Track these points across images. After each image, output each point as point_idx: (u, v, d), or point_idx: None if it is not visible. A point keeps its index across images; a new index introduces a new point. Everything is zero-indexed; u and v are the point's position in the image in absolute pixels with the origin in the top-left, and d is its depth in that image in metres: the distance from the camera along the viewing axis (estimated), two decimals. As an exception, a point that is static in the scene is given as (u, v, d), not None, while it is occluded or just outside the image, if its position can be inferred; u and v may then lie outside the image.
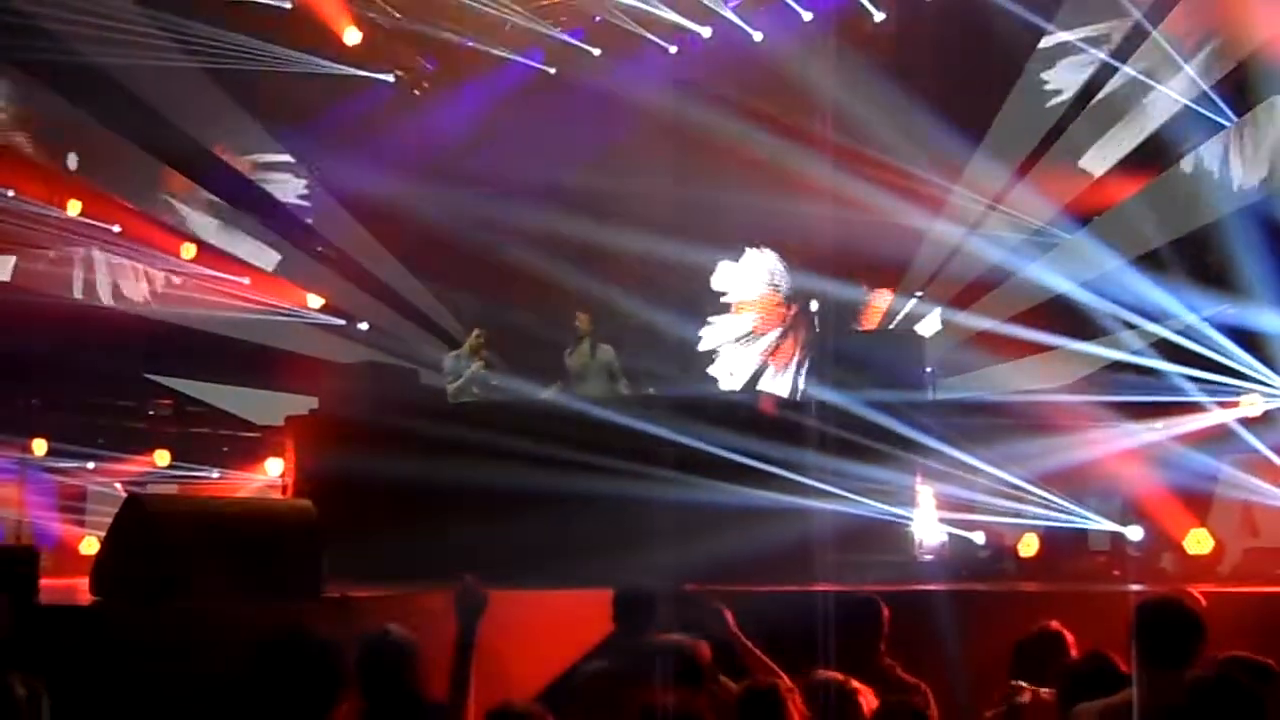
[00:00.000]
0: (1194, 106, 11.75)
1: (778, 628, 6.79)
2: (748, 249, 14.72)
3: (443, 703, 4.33)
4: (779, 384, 13.90)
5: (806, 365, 13.82)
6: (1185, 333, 10.81)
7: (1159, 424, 9.87)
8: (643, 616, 5.67)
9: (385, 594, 6.52)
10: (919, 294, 13.53)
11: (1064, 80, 12.88)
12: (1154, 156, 12.17)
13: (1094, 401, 10.23)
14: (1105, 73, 12.47)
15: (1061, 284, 11.81)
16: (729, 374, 14.36)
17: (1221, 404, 10.02)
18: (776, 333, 14.54)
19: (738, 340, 14.66)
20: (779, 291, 14.64)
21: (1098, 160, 12.59)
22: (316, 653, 3.43)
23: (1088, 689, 4.36)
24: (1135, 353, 11.17)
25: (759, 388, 12.50)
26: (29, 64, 14.41)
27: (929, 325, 13.33)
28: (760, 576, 8.12)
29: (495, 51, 14.56)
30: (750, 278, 14.73)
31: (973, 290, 12.97)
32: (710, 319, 14.73)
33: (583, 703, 5.04)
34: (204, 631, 5.24)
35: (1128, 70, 12.26)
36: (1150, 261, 11.57)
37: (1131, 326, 11.34)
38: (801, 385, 13.63)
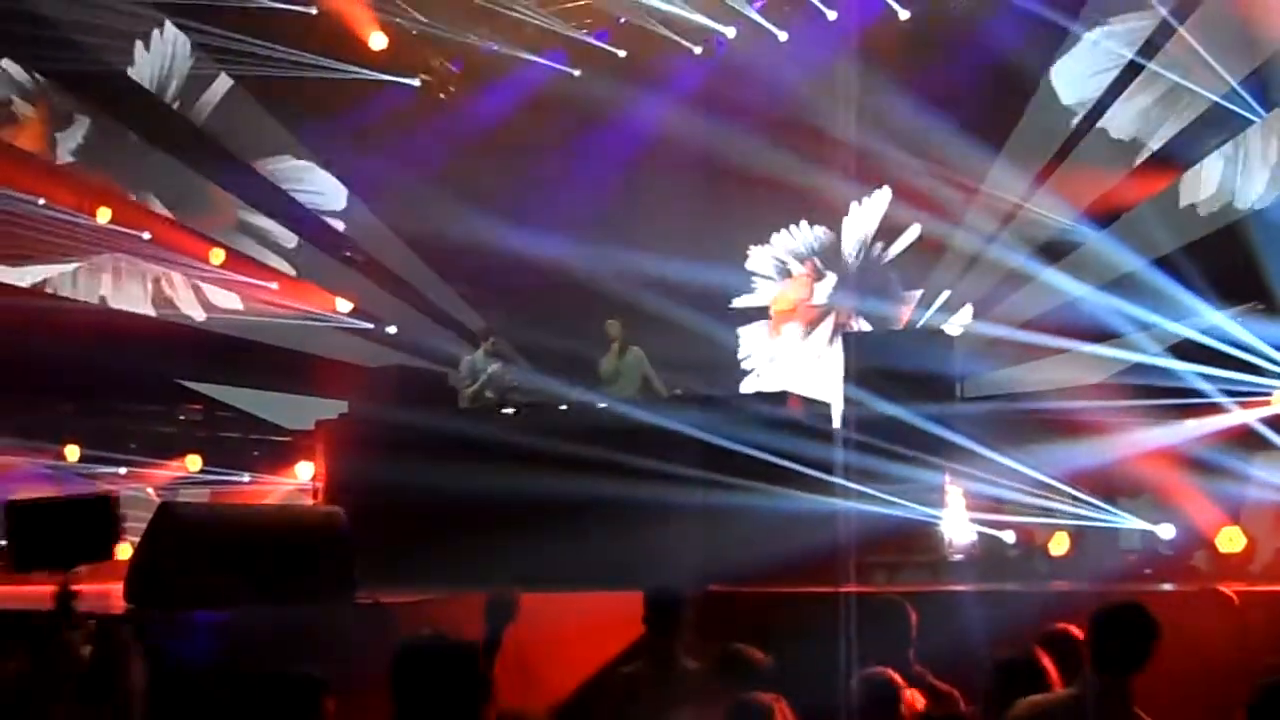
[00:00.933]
0: (1222, 102, 11.66)
1: (804, 631, 6.81)
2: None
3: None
4: (806, 384, 13.89)
5: (834, 364, 13.80)
6: (1212, 331, 10.74)
7: (1190, 423, 9.81)
8: (673, 619, 5.67)
9: (417, 599, 6.55)
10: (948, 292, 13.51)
11: (1089, 78, 12.81)
12: (1180, 154, 12.09)
13: (1125, 400, 10.19)
14: (1131, 70, 12.38)
15: (1086, 284, 11.76)
16: (756, 375, 14.36)
17: (1250, 403, 9.95)
18: (803, 332, 14.53)
19: (765, 340, 14.67)
20: (807, 288, 14.63)
21: (1124, 157, 12.51)
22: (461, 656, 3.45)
23: (1020, 685, 4.37)
24: (1160, 353, 11.10)
25: (786, 388, 12.46)
26: (55, 73, 14.57)
27: (958, 322, 13.30)
28: (788, 578, 8.12)
29: (519, 54, 14.57)
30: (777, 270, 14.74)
31: (1001, 289, 12.94)
32: (738, 319, 14.75)
33: (616, 706, 5.06)
34: (237, 638, 5.28)
35: (1154, 67, 12.17)
36: (1175, 261, 11.51)
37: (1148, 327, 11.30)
38: (829, 384, 13.62)
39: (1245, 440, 9.61)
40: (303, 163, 15.64)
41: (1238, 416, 9.85)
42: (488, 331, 11.88)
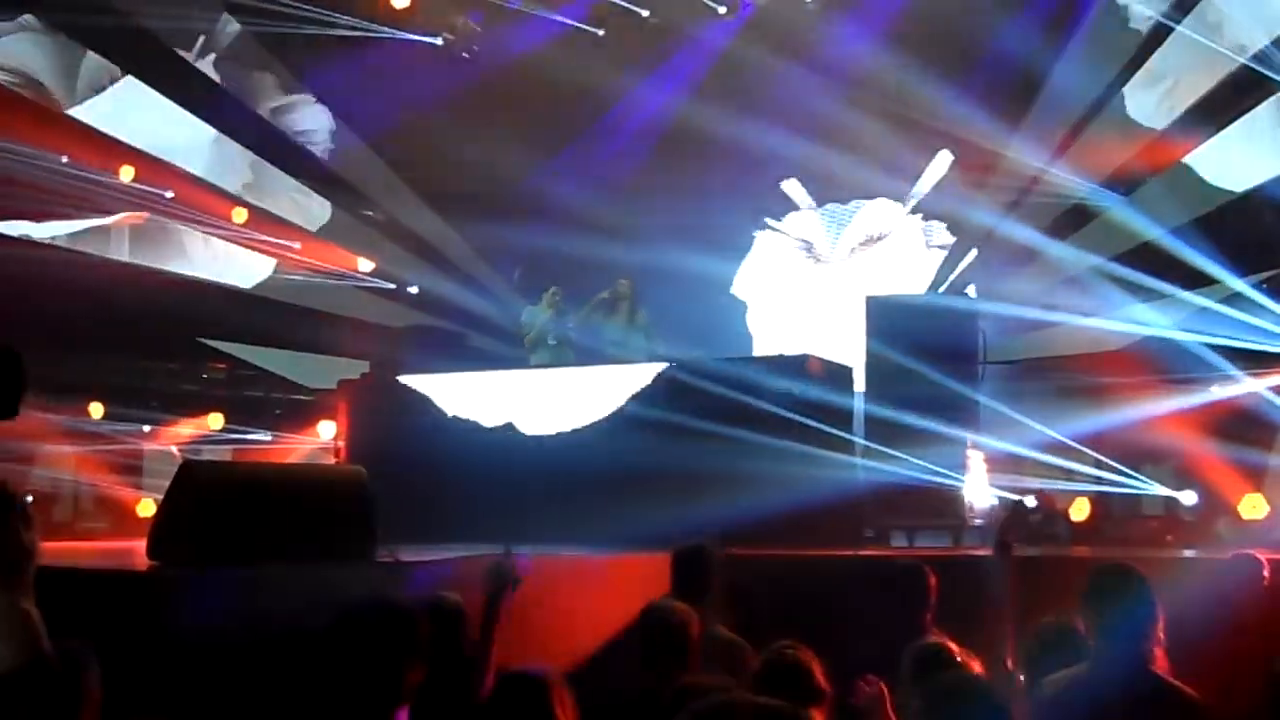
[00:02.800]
0: (1251, 65, 11.53)
1: (821, 593, 6.81)
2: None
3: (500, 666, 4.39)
4: (826, 346, 13.86)
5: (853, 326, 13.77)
6: (1234, 300, 10.68)
7: (1213, 390, 9.78)
8: (699, 580, 5.67)
9: (437, 558, 6.56)
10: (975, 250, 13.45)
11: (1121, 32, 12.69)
12: (1211, 115, 11.96)
13: (1147, 367, 10.16)
14: (1162, 29, 12.24)
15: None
16: (777, 334, 14.33)
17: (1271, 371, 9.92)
18: (818, 294, 14.49)
19: (781, 302, 14.63)
20: (819, 249, 14.57)
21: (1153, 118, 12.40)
22: (397, 620, 3.48)
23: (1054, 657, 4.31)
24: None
25: (806, 350, 12.43)
26: (74, 28, 14.56)
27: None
28: (809, 541, 8.12)
29: (540, 13, 14.48)
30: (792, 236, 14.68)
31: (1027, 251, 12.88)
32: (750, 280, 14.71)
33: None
34: (260, 595, 5.32)
35: (1183, 29, 12.03)
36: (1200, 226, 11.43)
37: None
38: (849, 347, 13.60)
39: (1267, 408, 9.58)
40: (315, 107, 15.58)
41: (1259, 384, 9.81)
42: (547, 284, 11.87)
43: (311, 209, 15.57)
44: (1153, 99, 12.55)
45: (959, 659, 4.63)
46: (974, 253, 13.49)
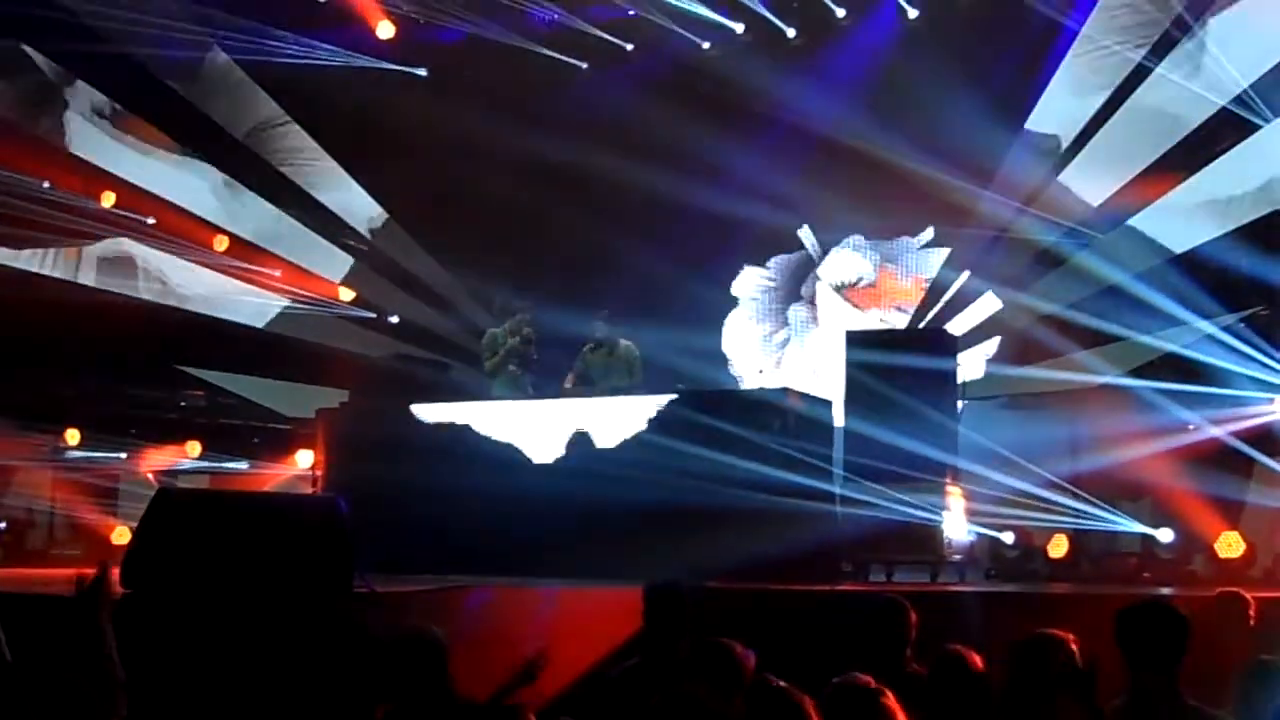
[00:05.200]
0: (1230, 108, 11.61)
1: (799, 629, 6.78)
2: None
3: (474, 699, 4.36)
4: (805, 379, 13.88)
5: (831, 362, 13.78)
6: (1225, 332, 10.74)
7: (1190, 428, 9.81)
8: (674, 614, 5.64)
9: (413, 589, 6.54)
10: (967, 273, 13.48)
11: (1100, 77, 12.77)
12: (1189, 157, 12.03)
13: (1126, 404, 10.20)
14: (1141, 72, 12.33)
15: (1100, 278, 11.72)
16: (758, 370, 14.33)
17: (1249, 411, 9.97)
18: (800, 326, 14.52)
19: (759, 334, 14.64)
20: (803, 283, 14.60)
21: (1133, 160, 12.46)
22: (361, 654, 3.47)
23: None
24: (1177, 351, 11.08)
25: (785, 384, 12.44)
26: (64, 56, 14.56)
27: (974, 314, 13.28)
28: (787, 575, 8.11)
29: (526, 46, 14.52)
30: (775, 270, 14.71)
31: (1015, 279, 12.93)
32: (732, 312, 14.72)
33: (614, 701, 5.04)
34: (234, 626, 5.28)
35: (1163, 71, 12.12)
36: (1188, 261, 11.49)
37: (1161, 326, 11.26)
38: (827, 381, 13.61)
39: (1245, 446, 9.63)
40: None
41: (1237, 423, 9.86)
42: (513, 308, 11.76)
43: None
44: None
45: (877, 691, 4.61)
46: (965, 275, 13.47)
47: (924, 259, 13.97)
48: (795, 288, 14.62)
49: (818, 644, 5.55)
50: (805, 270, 14.56)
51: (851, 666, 4.60)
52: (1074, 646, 4.66)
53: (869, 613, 5.70)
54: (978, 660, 4.91)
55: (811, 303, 14.51)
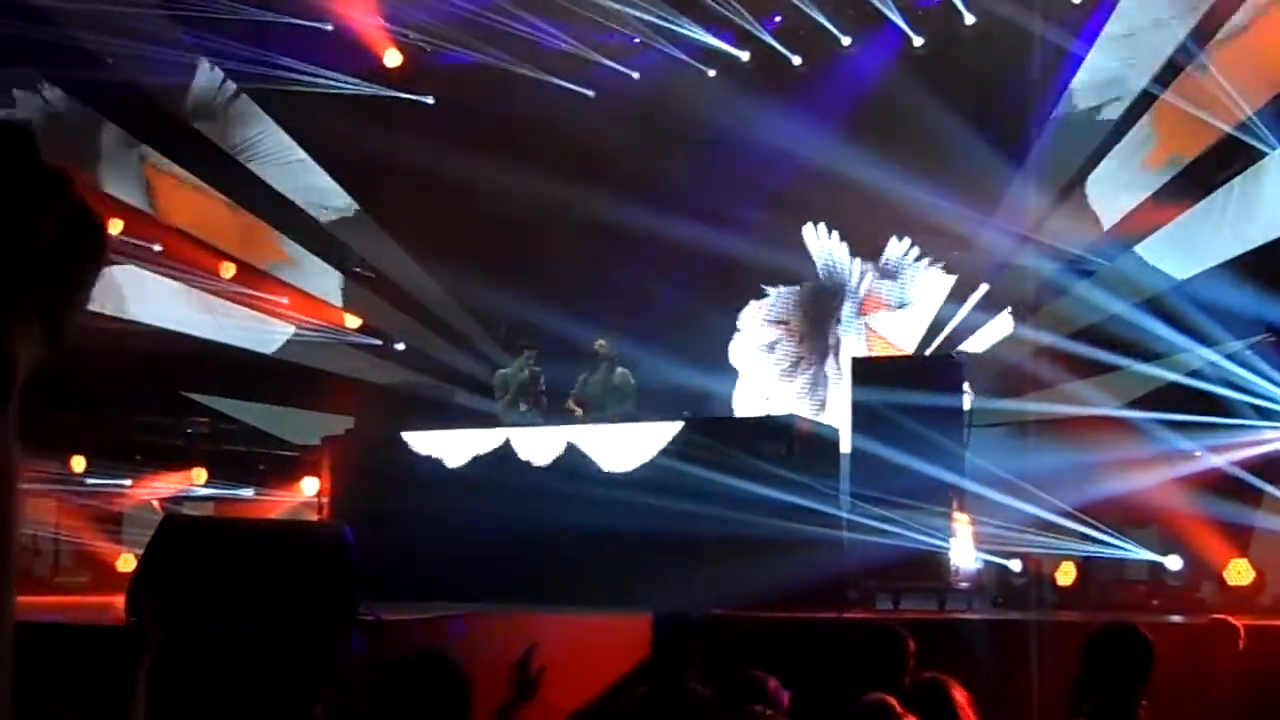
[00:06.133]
0: (1235, 134, 11.62)
1: (800, 656, 6.75)
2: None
3: None
4: (810, 406, 13.86)
5: (838, 388, 13.76)
6: (1230, 359, 10.70)
7: (1199, 456, 9.78)
8: (681, 643, 5.62)
9: (420, 616, 6.52)
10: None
11: (1104, 106, 12.79)
12: (1196, 183, 12.03)
13: (1136, 424, 10.17)
14: (1145, 100, 12.35)
15: (1108, 306, 11.70)
16: (765, 398, 14.31)
17: (1259, 438, 9.93)
18: (806, 353, 14.48)
19: (766, 361, 14.61)
20: (810, 308, 14.57)
21: (1137, 188, 12.46)
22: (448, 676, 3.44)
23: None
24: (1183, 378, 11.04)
25: (793, 411, 12.43)
26: (69, 83, 14.62)
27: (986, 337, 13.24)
28: (794, 603, 8.08)
29: (535, 75, 14.57)
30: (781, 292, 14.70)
31: (1019, 308, 12.91)
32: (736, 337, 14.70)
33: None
34: (239, 653, 5.27)
35: (1168, 98, 12.14)
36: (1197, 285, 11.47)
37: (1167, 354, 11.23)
38: (833, 408, 13.59)
39: (1254, 473, 9.59)
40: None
41: (1246, 450, 9.82)
42: (520, 345, 11.78)
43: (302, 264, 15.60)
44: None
45: (899, 714, 4.58)
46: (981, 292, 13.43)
47: (928, 284, 13.95)
48: (800, 315, 14.59)
49: (817, 673, 5.51)
50: (811, 297, 14.54)
51: (850, 696, 4.58)
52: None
53: (865, 643, 5.65)
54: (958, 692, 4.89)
55: (817, 329, 14.49)
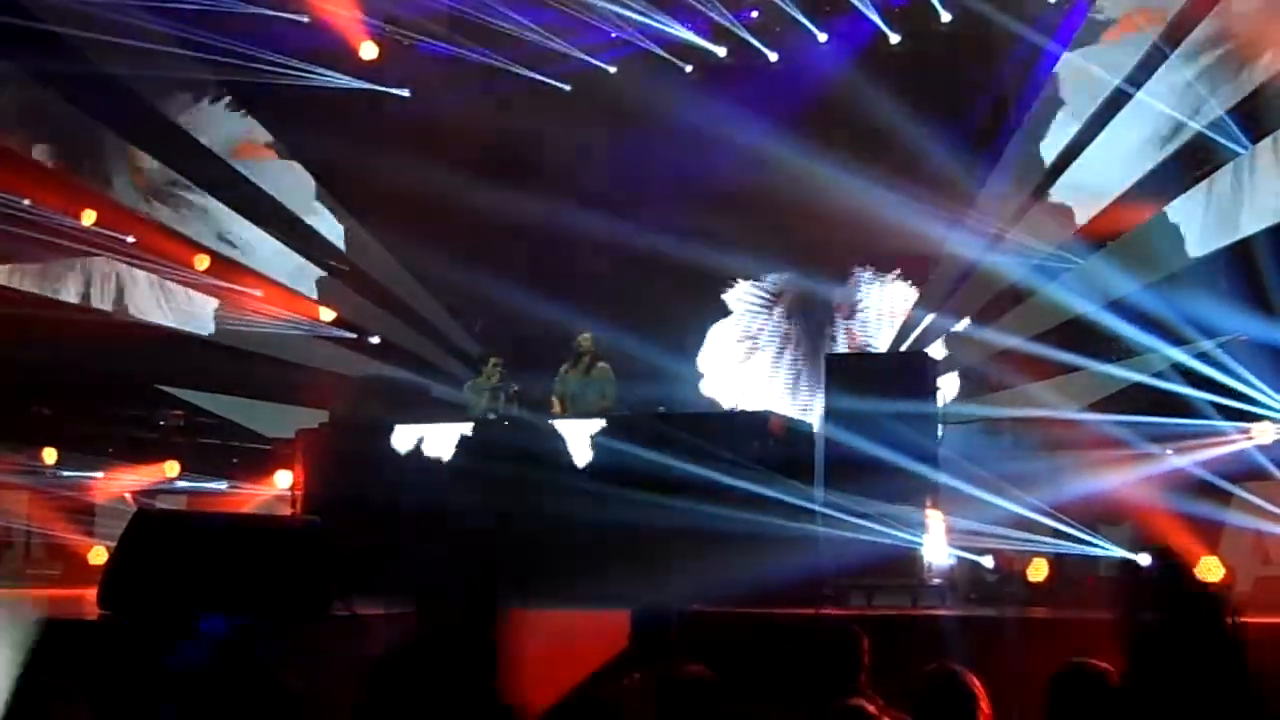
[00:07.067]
0: (1208, 133, 11.69)
1: (760, 652, 6.76)
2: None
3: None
4: (785, 402, 13.88)
5: (813, 384, 13.78)
6: (1201, 358, 10.77)
7: (1169, 453, 9.83)
8: (661, 638, 5.64)
9: (394, 612, 6.50)
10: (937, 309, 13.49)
11: (1079, 106, 12.84)
12: (1167, 182, 12.10)
13: (1106, 426, 10.22)
14: (1122, 99, 12.40)
15: (1078, 306, 11.75)
16: (741, 393, 14.33)
17: (1230, 436, 9.99)
18: (779, 348, 14.50)
19: (739, 356, 14.63)
20: (781, 304, 14.59)
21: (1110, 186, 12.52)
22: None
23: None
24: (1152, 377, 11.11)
25: (767, 407, 12.44)
26: (46, 75, 14.52)
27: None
28: (766, 600, 8.09)
29: (512, 69, 14.53)
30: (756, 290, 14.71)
31: (992, 307, 12.95)
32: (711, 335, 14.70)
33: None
34: (211, 647, 5.25)
35: (1143, 97, 12.19)
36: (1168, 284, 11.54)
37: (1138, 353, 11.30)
38: (808, 404, 13.61)
39: (1223, 470, 9.64)
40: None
41: (1216, 448, 9.88)
42: (486, 355, 11.77)
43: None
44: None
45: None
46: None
47: (894, 293, 13.99)
48: (776, 311, 14.62)
49: (776, 669, 5.52)
50: (787, 294, 14.56)
51: (806, 692, 4.58)
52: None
53: (818, 639, 5.63)
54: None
55: (793, 326, 14.51)
